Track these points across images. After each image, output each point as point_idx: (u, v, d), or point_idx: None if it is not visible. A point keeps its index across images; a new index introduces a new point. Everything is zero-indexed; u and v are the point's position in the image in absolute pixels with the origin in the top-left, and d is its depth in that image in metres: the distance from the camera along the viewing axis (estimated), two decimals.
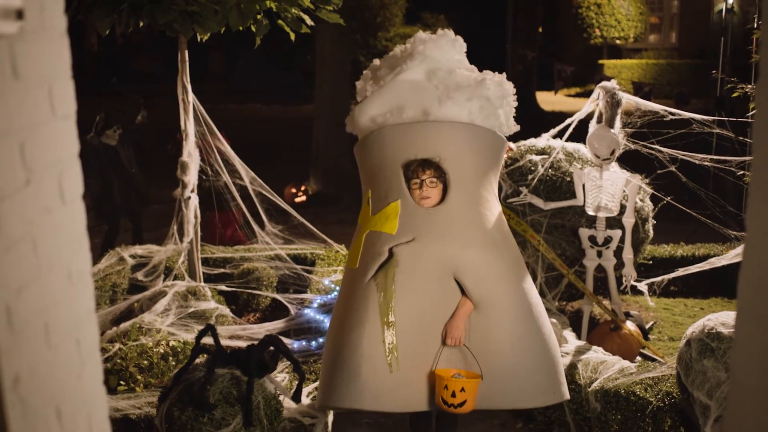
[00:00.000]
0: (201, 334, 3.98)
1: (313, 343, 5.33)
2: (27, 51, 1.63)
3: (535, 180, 5.75)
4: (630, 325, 5.34)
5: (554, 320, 5.10)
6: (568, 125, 5.83)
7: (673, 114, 5.57)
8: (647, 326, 5.89)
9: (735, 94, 5.76)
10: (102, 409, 1.98)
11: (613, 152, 5.34)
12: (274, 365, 4.07)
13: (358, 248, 3.89)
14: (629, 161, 5.73)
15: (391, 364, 3.63)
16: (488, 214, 3.90)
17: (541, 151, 5.95)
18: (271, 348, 4.03)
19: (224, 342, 4.89)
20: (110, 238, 7.76)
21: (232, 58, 25.83)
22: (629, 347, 5.18)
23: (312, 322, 5.68)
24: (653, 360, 5.18)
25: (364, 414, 4.72)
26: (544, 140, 6.07)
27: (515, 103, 4.17)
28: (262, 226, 6.76)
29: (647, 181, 5.87)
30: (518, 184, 5.78)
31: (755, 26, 6.76)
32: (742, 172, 5.42)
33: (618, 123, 5.40)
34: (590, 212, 5.47)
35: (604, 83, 5.48)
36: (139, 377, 4.73)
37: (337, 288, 5.93)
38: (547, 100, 22.21)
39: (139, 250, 6.72)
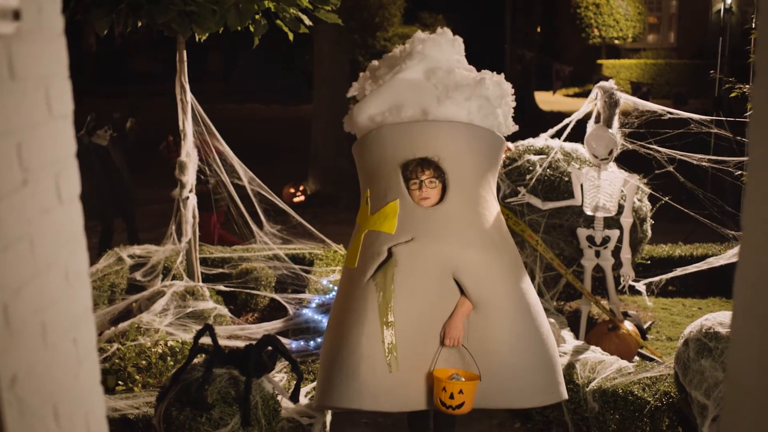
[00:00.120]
0: (199, 334, 3.98)
1: (312, 342, 5.33)
2: (24, 51, 1.63)
3: (534, 180, 5.75)
4: (628, 325, 5.35)
5: (552, 320, 5.11)
6: (567, 125, 5.83)
7: (671, 113, 5.57)
8: (645, 326, 5.89)
9: (733, 94, 5.77)
10: (99, 409, 1.98)
11: (611, 152, 5.34)
12: (272, 365, 4.07)
13: (357, 247, 3.89)
14: (627, 161, 5.73)
15: (390, 364, 3.64)
16: (487, 214, 3.91)
17: (540, 151, 5.96)
18: (269, 348, 4.03)
19: (222, 342, 4.89)
20: (105, 238, 7.76)
21: (231, 58, 25.84)
22: (627, 347, 5.19)
23: (310, 322, 5.68)
24: (651, 360, 5.19)
25: (362, 414, 4.72)
26: (543, 140, 6.08)
27: (514, 103, 4.17)
28: (260, 226, 6.76)
29: (645, 181, 5.88)
30: (516, 183, 5.79)
31: (753, 26, 6.76)
32: (739, 172, 5.43)
33: (616, 123, 5.41)
34: (588, 212, 5.47)
35: (602, 83, 5.48)
36: (137, 377, 4.73)
37: (336, 288, 5.93)
38: (546, 100, 22.22)
39: (137, 250, 6.72)
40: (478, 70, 4.14)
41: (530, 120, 11.07)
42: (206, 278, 6.33)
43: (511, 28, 20.54)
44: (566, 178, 5.75)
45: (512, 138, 4.96)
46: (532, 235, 5.38)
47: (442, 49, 4.11)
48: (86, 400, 1.90)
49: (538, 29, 22.96)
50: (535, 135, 6.13)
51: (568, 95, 24.30)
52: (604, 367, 4.57)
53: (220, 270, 6.57)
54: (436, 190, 3.85)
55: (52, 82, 1.76)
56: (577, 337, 5.35)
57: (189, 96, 5.71)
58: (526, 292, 3.87)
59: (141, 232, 8.20)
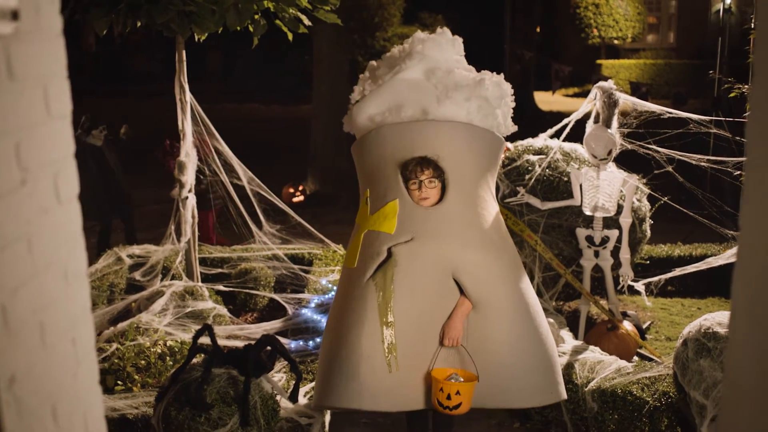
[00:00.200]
0: (198, 334, 3.99)
1: (311, 342, 5.33)
2: (22, 51, 1.63)
3: (533, 180, 5.76)
4: (627, 325, 5.35)
5: (551, 320, 5.11)
6: (566, 125, 5.84)
7: (670, 113, 5.57)
8: (644, 326, 5.89)
9: (732, 95, 5.77)
10: (98, 409, 1.98)
11: (610, 152, 5.34)
12: (272, 365, 4.07)
13: (357, 247, 3.89)
14: (626, 161, 5.73)
15: (389, 363, 3.64)
16: (486, 214, 3.91)
17: (539, 151, 5.96)
18: (269, 348, 4.04)
19: (221, 342, 4.90)
20: (103, 239, 7.77)
21: (230, 58, 25.84)
22: (626, 347, 5.19)
23: (309, 321, 5.69)
24: (650, 360, 5.19)
25: (361, 414, 4.72)
26: (542, 140, 6.08)
27: (513, 104, 4.17)
28: (259, 225, 6.76)
29: (644, 181, 5.88)
30: (515, 184, 5.79)
31: (752, 27, 6.76)
32: (738, 173, 5.43)
33: (615, 123, 5.41)
34: (587, 212, 5.48)
35: (602, 83, 5.49)
36: (136, 377, 4.73)
37: (335, 288, 5.93)
38: (545, 100, 22.22)
39: (136, 250, 6.73)
40: (478, 71, 4.14)
41: (529, 120, 11.05)
42: (205, 278, 6.33)
43: (510, 28, 20.54)
44: (565, 178, 5.75)
45: (511, 138, 4.96)
46: (531, 235, 5.38)
47: (442, 49, 4.11)
48: (85, 400, 1.90)
49: (538, 29, 22.96)
50: (534, 135, 6.13)
51: (567, 95, 24.30)
52: (603, 367, 4.57)
53: (220, 270, 6.57)
54: (436, 190, 3.85)
55: (50, 81, 1.76)
56: (576, 337, 5.35)
57: (188, 96, 5.71)
58: (525, 292, 3.88)
59: (140, 232, 8.20)
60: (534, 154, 5.93)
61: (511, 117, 4.18)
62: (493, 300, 3.74)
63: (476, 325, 3.73)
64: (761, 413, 1.51)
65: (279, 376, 4.72)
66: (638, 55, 25.94)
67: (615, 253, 5.55)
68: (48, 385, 1.70)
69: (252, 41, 5.46)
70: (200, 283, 5.97)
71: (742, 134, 5.67)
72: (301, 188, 11.26)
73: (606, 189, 5.39)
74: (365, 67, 4.34)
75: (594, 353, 4.81)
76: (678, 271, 5.95)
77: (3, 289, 1.53)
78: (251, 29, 5.34)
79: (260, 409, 3.75)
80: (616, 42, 25.29)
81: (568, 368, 4.55)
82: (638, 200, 5.92)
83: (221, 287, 6.15)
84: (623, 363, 4.66)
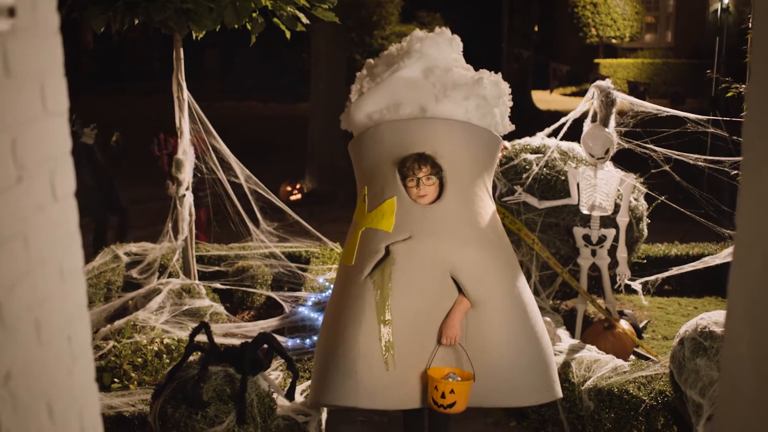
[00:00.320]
0: (195, 332, 3.98)
1: (307, 340, 5.33)
2: (19, 48, 1.63)
3: (530, 179, 5.76)
4: (624, 324, 5.35)
5: (548, 319, 5.11)
6: (563, 124, 5.84)
7: (667, 113, 5.57)
8: (641, 325, 5.90)
9: (729, 94, 5.77)
10: (94, 406, 1.98)
11: (607, 151, 5.34)
12: (268, 363, 4.06)
13: (354, 245, 3.89)
14: (624, 160, 5.73)
15: (387, 362, 3.63)
16: (483, 213, 3.91)
17: (536, 150, 5.96)
18: (265, 346, 4.03)
19: (218, 340, 4.89)
20: (99, 236, 7.76)
21: (228, 56, 25.80)
22: (623, 346, 5.19)
23: (306, 320, 5.68)
24: (647, 359, 5.19)
25: (358, 411, 4.72)
26: (539, 139, 6.08)
27: (511, 103, 4.17)
28: (257, 224, 6.75)
29: (641, 180, 5.88)
30: (513, 182, 5.79)
31: (749, 26, 6.77)
32: (735, 172, 5.43)
33: (612, 122, 5.40)
34: (584, 211, 5.48)
35: (599, 82, 5.49)
36: (133, 375, 4.73)
37: (332, 286, 5.94)
38: (543, 99, 22.22)
39: (133, 247, 6.72)
40: (476, 69, 4.14)
41: (527, 119, 11.05)
42: (202, 276, 6.32)
43: (508, 27, 20.53)
44: (563, 177, 5.76)
45: (509, 137, 4.95)
46: (528, 234, 5.38)
47: (440, 47, 4.11)
48: (80, 397, 1.90)
49: (536, 28, 22.97)
50: (531, 134, 6.13)
51: (565, 94, 24.29)
52: (599, 365, 4.57)
53: (217, 268, 6.56)
54: (433, 188, 3.85)
55: (47, 79, 1.76)
56: (572, 335, 5.36)
57: (186, 93, 5.70)
58: (522, 290, 3.88)
59: (137, 230, 8.20)
60: (531, 153, 5.93)
61: (509, 116, 4.18)
62: (490, 299, 3.74)
63: (473, 324, 3.73)
64: (757, 412, 1.51)
65: (276, 374, 4.72)
66: (636, 55, 25.95)
67: (612, 252, 5.55)
68: (44, 382, 1.70)
69: (250, 39, 5.45)
70: (197, 281, 5.96)
71: (740, 134, 5.67)
72: (298, 186, 11.26)
73: (603, 188, 5.39)
74: (363, 65, 4.34)
75: (591, 352, 4.81)
76: (675, 270, 5.96)
77: None
78: (249, 27, 5.33)
79: (257, 406, 3.75)
80: (613, 41, 25.30)
81: (565, 367, 4.56)
82: (635, 199, 5.92)
83: (218, 285, 6.15)
84: (620, 362, 4.66)
